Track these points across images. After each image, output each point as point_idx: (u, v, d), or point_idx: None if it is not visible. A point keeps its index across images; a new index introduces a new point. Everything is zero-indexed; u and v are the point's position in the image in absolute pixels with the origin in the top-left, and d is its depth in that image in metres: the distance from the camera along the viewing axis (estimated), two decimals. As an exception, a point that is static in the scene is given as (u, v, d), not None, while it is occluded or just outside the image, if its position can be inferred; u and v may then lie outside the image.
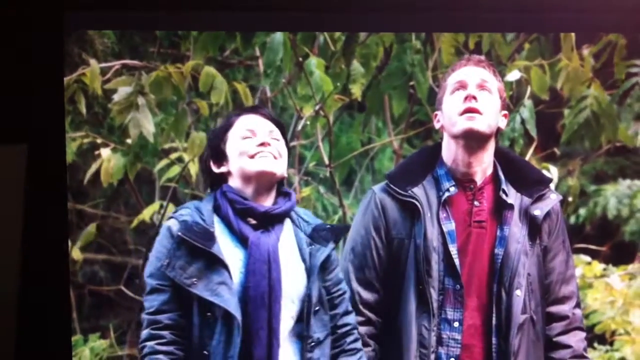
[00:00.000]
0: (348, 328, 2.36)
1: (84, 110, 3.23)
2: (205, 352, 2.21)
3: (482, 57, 2.52)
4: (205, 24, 2.94)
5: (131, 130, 3.23)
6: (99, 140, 3.42)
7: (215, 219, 2.29)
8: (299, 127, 3.55)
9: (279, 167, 2.32)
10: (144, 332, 2.25)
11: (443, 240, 2.37)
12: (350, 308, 2.38)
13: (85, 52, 3.26)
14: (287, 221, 2.35)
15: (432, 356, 2.34)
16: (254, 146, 2.31)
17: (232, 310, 2.18)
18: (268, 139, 2.32)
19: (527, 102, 3.36)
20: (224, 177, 2.35)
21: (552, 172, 3.32)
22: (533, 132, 3.35)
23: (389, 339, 2.40)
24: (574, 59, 3.34)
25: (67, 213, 2.49)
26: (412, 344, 2.35)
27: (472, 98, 2.38)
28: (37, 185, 2.47)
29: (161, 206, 3.53)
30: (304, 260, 2.31)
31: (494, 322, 2.35)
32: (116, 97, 3.22)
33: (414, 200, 2.40)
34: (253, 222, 2.29)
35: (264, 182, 2.31)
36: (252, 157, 2.30)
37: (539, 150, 3.50)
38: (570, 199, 3.60)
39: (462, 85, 2.41)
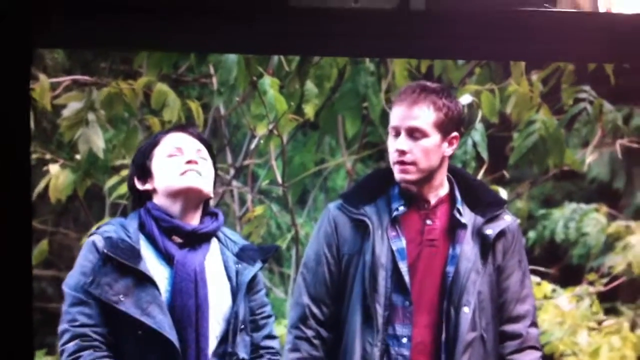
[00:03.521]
0: (271, 351, 2.36)
1: (32, 125, 3.17)
2: None
3: (419, 87, 2.42)
4: (156, 44, 2.90)
5: (81, 146, 3.19)
6: (47, 156, 3.36)
7: (141, 236, 2.26)
8: (252, 146, 3.54)
9: (206, 184, 2.30)
10: (71, 345, 2.16)
11: (392, 258, 2.38)
12: (274, 333, 2.38)
13: (35, 67, 3.20)
14: (214, 241, 2.34)
15: None
16: (181, 164, 2.28)
17: (166, 334, 2.15)
18: (195, 157, 2.30)
19: (479, 125, 3.40)
20: (149, 194, 2.32)
21: (502, 194, 3.35)
22: (484, 155, 3.38)
23: (338, 354, 2.41)
24: (523, 84, 3.40)
25: (31, 229, 2.40)
26: (355, 359, 2.35)
27: (401, 153, 2.39)
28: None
29: (111, 223, 3.47)
30: (229, 278, 2.29)
31: (442, 339, 2.36)
32: (66, 113, 3.18)
33: (364, 218, 2.41)
34: (179, 240, 2.27)
35: (190, 199, 2.29)
36: (178, 174, 2.27)
37: (488, 173, 3.54)
38: (518, 221, 3.64)
39: (395, 132, 2.41)
